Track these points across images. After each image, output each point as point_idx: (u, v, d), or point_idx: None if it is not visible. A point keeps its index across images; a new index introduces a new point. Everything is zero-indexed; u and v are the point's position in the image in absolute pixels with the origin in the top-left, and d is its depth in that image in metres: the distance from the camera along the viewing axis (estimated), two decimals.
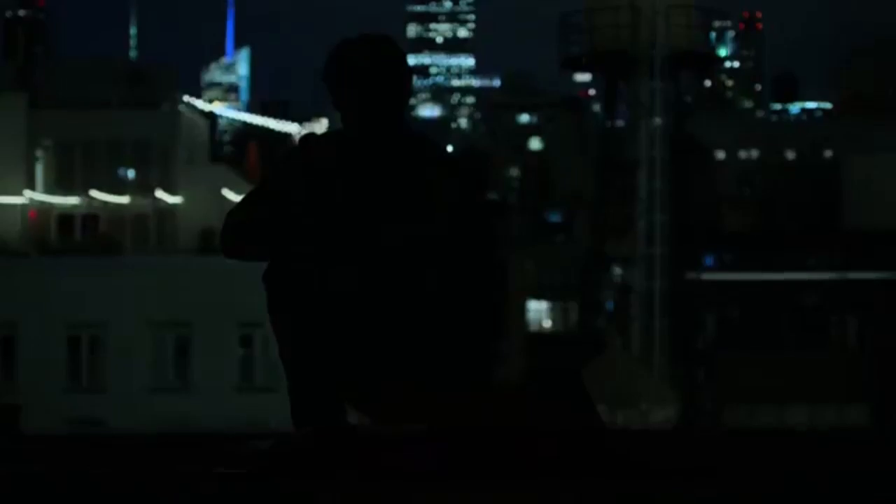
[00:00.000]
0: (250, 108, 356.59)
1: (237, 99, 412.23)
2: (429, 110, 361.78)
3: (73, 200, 70.07)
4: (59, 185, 70.23)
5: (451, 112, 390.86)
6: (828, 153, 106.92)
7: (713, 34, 44.32)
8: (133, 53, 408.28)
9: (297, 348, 4.68)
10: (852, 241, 67.96)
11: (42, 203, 69.80)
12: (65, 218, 70.00)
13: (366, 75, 5.00)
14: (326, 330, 4.62)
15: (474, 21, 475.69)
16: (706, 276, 56.99)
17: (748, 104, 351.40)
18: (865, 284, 62.56)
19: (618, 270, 62.10)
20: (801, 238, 69.05)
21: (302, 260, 4.67)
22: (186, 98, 78.97)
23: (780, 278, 61.44)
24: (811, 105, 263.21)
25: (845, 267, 64.36)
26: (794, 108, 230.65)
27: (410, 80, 5.19)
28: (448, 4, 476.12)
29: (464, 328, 4.72)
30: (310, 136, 5.12)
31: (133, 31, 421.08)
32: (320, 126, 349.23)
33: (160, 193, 70.27)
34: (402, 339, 4.72)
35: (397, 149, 5.05)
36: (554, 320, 79.65)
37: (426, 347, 4.68)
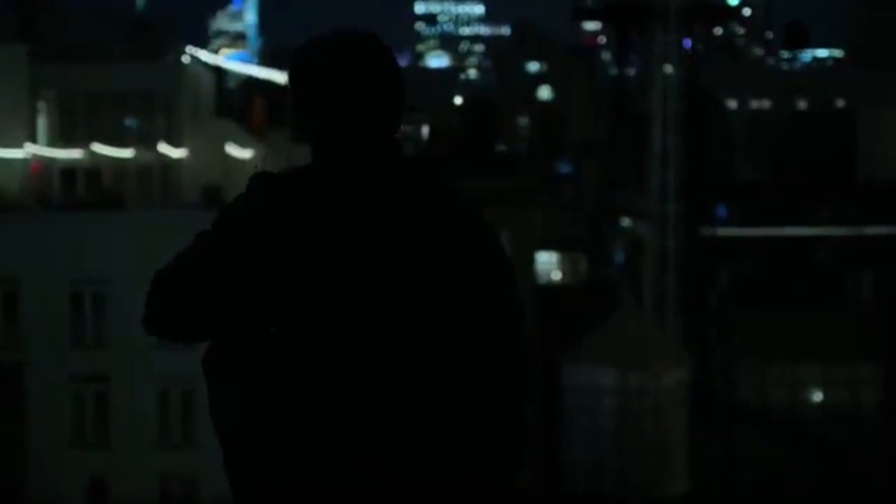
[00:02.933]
0: (260, 56, 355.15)
1: (245, 47, 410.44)
2: (437, 60, 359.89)
3: (75, 153, 69.18)
4: (61, 137, 69.33)
5: (459, 61, 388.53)
6: (840, 103, 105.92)
7: None
8: (140, 2, 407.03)
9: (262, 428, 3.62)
10: (866, 194, 66.98)
11: (44, 156, 68.95)
12: (67, 171, 69.17)
13: (348, 90, 3.72)
14: (314, 404, 3.53)
15: None
16: (719, 232, 56.07)
17: (758, 52, 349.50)
18: (881, 240, 61.63)
19: (627, 222, 61.28)
20: (814, 191, 68.07)
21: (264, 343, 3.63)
22: (190, 49, 77.78)
23: (794, 234, 60.53)
24: (822, 53, 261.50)
25: (860, 221, 63.41)
26: (806, 56, 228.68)
27: (404, 94, 3.89)
28: None
29: (482, 425, 3.63)
30: (264, 184, 3.69)
31: None
32: None
33: (164, 147, 69.35)
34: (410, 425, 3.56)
35: (394, 200, 3.67)
36: (563, 272, 79.10)
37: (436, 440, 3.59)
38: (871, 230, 61.45)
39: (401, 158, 3.83)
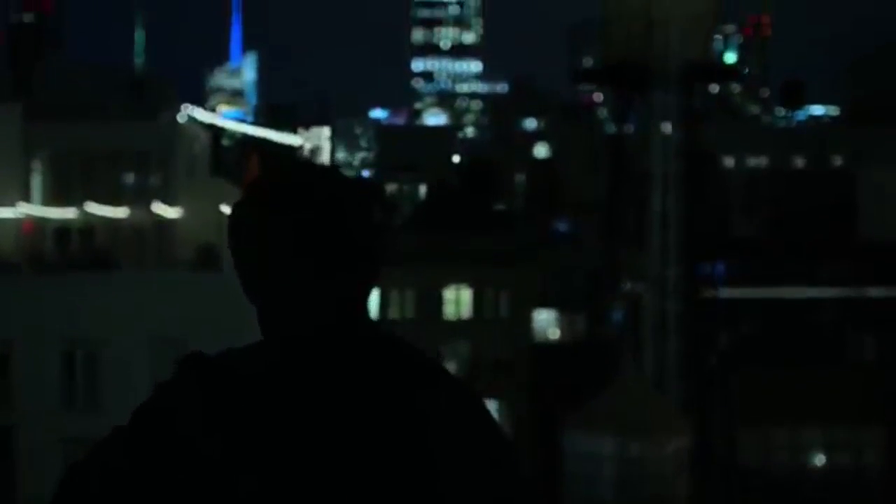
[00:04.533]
0: (256, 113, 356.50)
1: (243, 104, 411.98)
2: (434, 118, 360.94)
3: (69, 213, 68.68)
4: (55, 196, 68.88)
5: (457, 119, 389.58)
6: (838, 161, 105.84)
7: (720, 39, 42.96)
8: (139, 59, 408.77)
9: None
10: (867, 254, 66.51)
11: (37, 216, 68.47)
12: (61, 231, 68.64)
13: (305, 246, 2.75)
14: None
15: (480, 26, 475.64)
16: (720, 293, 55.55)
17: (755, 109, 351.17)
18: (883, 301, 61.07)
19: (626, 280, 60.75)
20: (815, 250, 67.63)
21: None
22: (187, 108, 77.58)
23: (795, 295, 59.97)
24: (818, 110, 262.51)
25: (862, 281, 62.89)
26: (801, 113, 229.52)
27: (381, 245, 2.88)
28: (454, 9, 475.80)
29: None
30: (198, 373, 2.76)
31: (139, 36, 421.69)
32: (323, 134, 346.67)
33: (158, 206, 68.87)
34: None
35: (364, 390, 2.70)
36: (561, 330, 78.60)
37: None
38: (873, 291, 60.91)
39: (371, 327, 2.89)
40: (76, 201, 68.54)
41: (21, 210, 67.40)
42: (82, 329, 51.02)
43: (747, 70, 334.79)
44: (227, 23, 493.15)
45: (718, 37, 42.34)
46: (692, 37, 41.00)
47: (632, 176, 49.61)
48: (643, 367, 48.97)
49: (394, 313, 73.03)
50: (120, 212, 68.99)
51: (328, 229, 2.75)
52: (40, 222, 68.48)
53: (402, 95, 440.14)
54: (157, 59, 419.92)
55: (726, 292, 57.27)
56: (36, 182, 69.12)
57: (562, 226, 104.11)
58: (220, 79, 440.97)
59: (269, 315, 2.78)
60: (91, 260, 61.81)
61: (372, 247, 2.84)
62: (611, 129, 57.34)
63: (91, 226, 68.53)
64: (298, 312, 2.77)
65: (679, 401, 48.94)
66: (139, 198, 69.21)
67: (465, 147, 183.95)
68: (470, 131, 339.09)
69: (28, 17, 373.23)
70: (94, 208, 68.56)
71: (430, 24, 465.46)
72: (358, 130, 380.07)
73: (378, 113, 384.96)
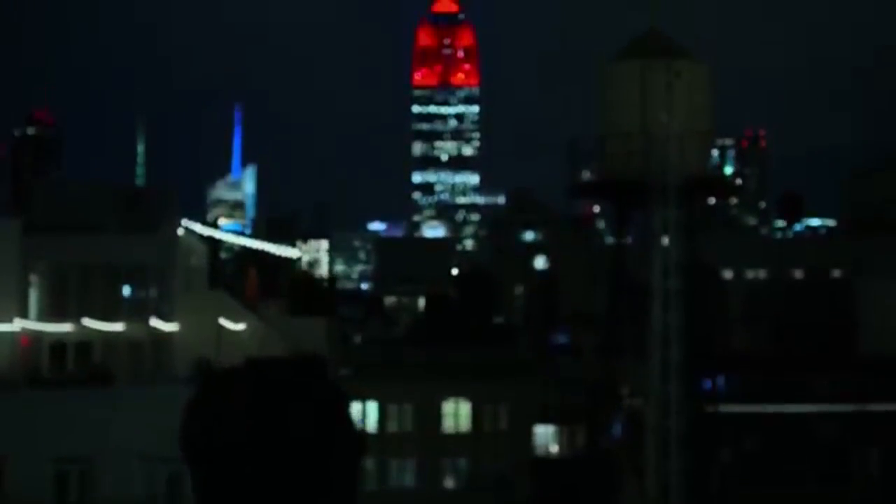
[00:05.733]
0: (255, 225, 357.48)
1: (243, 216, 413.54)
2: (433, 230, 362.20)
3: (65, 327, 68.26)
4: (52, 311, 68.53)
5: (456, 230, 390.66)
6: (836, 272, 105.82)
7: (716, 152, 43.03)
8: (140, 171, 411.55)
9: None
10: (870, 368, 65.94)
11: (34, 330, 68.05)
12: (57, 345, 68.16)
13: (270, 463, 2.44)
14: None
15: (478, 139, 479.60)
16: (722, 409, 54.99)
17: (752, 221, 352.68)
18: (886, 416, 60.38)
19: (626, 393, 60.16)
20: (816, 364, 67.09)
21: None
22: (185, 222, 77.56)
23: (797, 410, 59.33)
24: (815, 222, 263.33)
25: (864, 397, 62.24)
26: (799, 225, 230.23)
27: (359, 455, 2.54)
28: (453, 122, 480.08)
29: None
30: None
31: (140, 148, 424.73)
32: (321, 246, 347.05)
33: (155, 320, 68.52)
34: None
35: None
36: (560, 444, 77.75)
37: None
38: (875, 407, 60.27)
39: None
40: (73, 315, 68.17)
41: (18, 325, 67.03)
42: (77, 445, 50.36)
43: (741, 181, 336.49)
44: (228, 135, 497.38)
45: (715, 150, 42.59)
46: (690, 151, 41.05)
47: (631, 288, 49.43)
48: (645, 485, 48.30)
49: (392, 427, 72.30)
50: (117, 326, 68.58)
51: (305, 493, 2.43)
52: (37, 337, 68.05)
53: (402, 207, 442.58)
54: (159, 171, 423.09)
55: (728, 408, 56.69)
56: (33, 296, 68.84)
57: (561, 338, 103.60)
58: (221, 191, 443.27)
59: None
60: (87, 375, 61.33)
61: (351, 473, 2.48)
62: (609, 240, 57.23)
63: (88, 340, 68.08)
64: None
65: None
66: (136, 311, 68.85)
67: (464, 259, 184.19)
68: (469, 243, 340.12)
69: (31, 130, 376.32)
70: (91, 323, 68.15)
71: (429, 137, 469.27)
72: (356, 243, 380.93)
73: (377, 225, 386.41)
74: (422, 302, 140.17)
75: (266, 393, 2.66)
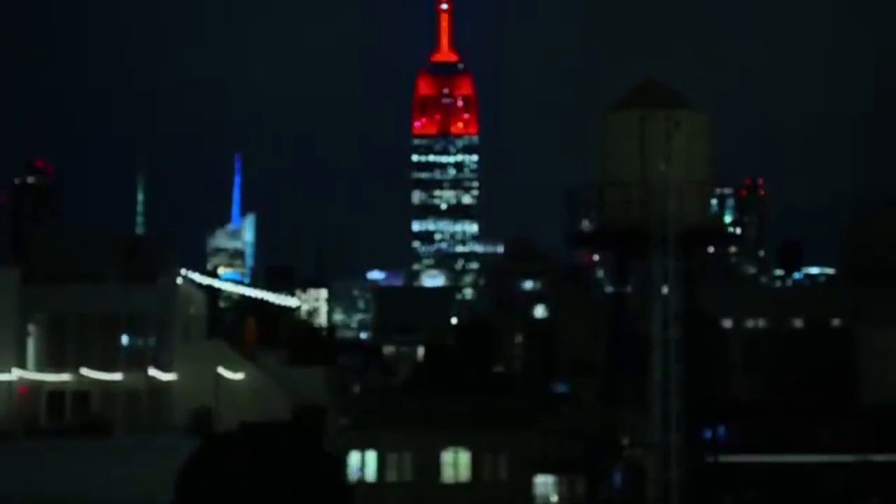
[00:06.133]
0: (255, 274, 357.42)
1: (242, 265, 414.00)
2: (432, 279, 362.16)
3: (63, 377, 68.02)
4: (50, 360, 68.34)
5: (455, 279, 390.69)
6: (836, 321, 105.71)
7: (715, 201, 43.11)
8: (140, 219, 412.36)
9: None
10: (871, 418, 65.70)
11: (32, 379, 67.83)
12: (55, 395, 67.90)
13: None
14: None
15: (477, 188, 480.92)
16: (723, 459, 54.70)
17: (751, 270, 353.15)
18: (889, 467, 60.11)
19: (626, 442, 59.88)
20: (818, 413, 66.83)
21: None
22: (184, 271, 77.48)
23: (799, 460, 59.06)
24: (814, 270, 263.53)
25: (865, 446, 61.98)
26: (798, 273, 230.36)
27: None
28: (452, 172, 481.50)
29: None
30: None
31: (140, 196, 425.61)
32: (320, 296, 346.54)
33: (153, 371, 68.27)
34: None
35: None
36: (560, 494, 77.42)
37: None
38: (878, 457, 60.00)
39: None
40: (71, 365, 67.96)
41: (16, 374, 66.83)
42: (75, 495, 50.08)
43: (740, 230, 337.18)
44: (228, 184, 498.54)
45: (714, 199, 42.72)
46: (689, 201, 41.11)
47: (631, 337, 49.32)
48: None
49: (391, 476, 71.99)
50: (115, 375, 68.33)
51: None
52: (35, 386, 67.84)
53: (401, 256, 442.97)
54: (159, 218, 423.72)
55: (729, 458, 56.39)
56: (31, 346, 68.68)
57: (561, 387, 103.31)
58: (222, 240, 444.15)
59: None
60: (85, 424, 61.15)
61: None
62: (609, 289, 57.18)
63: (85, 390, 67.84)
64: None
65: None
66: (134, 361, 68.64)
67: (464, 308, 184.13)
68: (468, 292, 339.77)
69: (31, 179, 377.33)
70: (89, 373, 67.92)
71: (428, 185, 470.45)
72: (356, 291, 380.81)
73: (376, 274, 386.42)
74: (421, 351, 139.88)
75: (262, 463, 2.60)
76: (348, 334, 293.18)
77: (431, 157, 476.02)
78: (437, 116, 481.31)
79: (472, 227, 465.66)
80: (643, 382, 45.48)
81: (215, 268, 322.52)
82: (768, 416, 66.88)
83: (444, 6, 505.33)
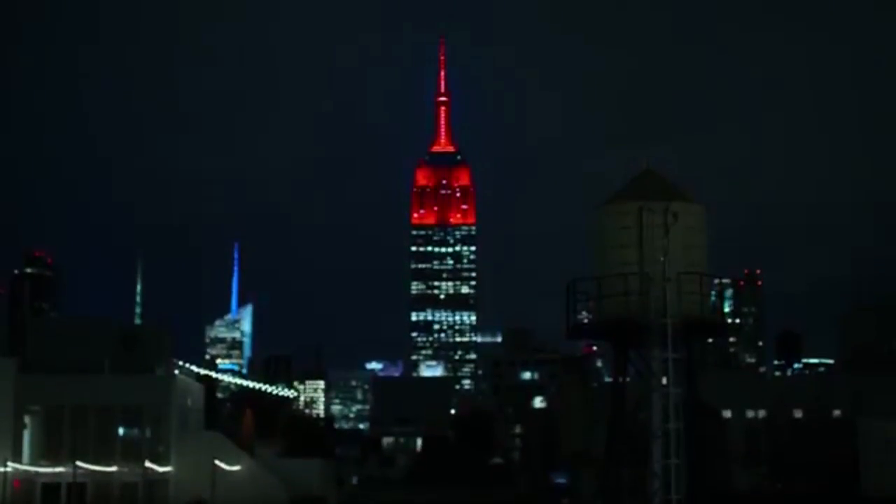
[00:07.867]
0: (252, 365, 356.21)
1: (240, 355, 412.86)
2: (431, 369, 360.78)
3: (59, 469, 67.37)
4: (45, 452, 67.78)
5: (453, 370, 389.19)
6: (836, 412, 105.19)
7: (714, 292, 43.01)
8: (138, 310, 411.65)
9: None
10: None
11: (27, 471, 67.19)
12: (50, 487, 67.20)
13: None
14: None
15: (476, 278, 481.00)
16: None
17: (750, 359, 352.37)
18: None
19: None
20: None
21: None
22: (181, 362, 77.20)
23: None
24: (813, 360, 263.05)
25: None
26: (797, 363, 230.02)
27: None
28: (450, 262, 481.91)
29: None
30: None
31: (139, 287, 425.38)
32: (318, 386, 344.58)
33: (149, 463, 67.62)
34: None
35: None
36: None
37: None
38: None
39: None
40: (67, 456, 67.36)
41: (11, 467, 66.22)
42: None
43: (739, 321, 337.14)
44: (227, 275, 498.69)
45: (713, 290, 42.67)
46: (687, 292, 41.04)
47: (631, 429, 48.89)
48: None
49: None
50: (110, 468, 67.69)
51: None
52: (30, 478, 67.19)
53: (399, 346, 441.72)
54: (158, 306, 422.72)
55: None
56: (27, 437, 68.16)
57: (560, 478, 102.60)
58: (220, 330, 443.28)
59: None
60: None
61: None
62: (608, 380, 56.85)
63: (81, 482, 67.15)
64: None
65: None
66: (131, 452, 68.04)
67: (462, 398, 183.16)
68: (466, 383, 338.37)
69: (29, 269, 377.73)
70: (85, 465, 67.26)
71: (427, 275, 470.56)
72: (354, 382, 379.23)
73: (374, 364, 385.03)
74: (419, 442, 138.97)
75: None
76: (346, 425, 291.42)
77: (430, 248, 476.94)
78: (436, 207, 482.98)
79: (471, 317, 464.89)
80: (643, 474, 45.06)
81: (213, 358, 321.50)
82: None
83: (443, 98, 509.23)
